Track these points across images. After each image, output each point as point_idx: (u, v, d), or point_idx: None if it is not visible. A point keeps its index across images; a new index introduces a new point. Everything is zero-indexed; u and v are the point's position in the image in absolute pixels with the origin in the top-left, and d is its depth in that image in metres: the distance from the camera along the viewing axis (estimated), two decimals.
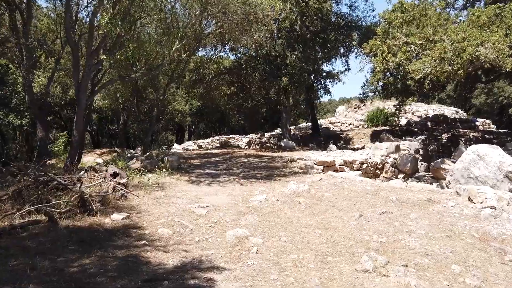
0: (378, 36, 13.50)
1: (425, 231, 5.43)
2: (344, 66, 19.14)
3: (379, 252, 4.66)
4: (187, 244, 4.94)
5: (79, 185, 5.74)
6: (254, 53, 18.43)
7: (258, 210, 6.52)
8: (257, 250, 4.70)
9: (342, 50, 19.47)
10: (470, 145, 20.29)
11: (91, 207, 5.42)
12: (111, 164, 9.22)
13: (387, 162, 15.73)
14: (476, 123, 25.58)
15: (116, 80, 11.34)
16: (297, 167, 12.24)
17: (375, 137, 22.70)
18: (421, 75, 11.31)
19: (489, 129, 25.35)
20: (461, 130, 22.70)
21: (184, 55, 13.01)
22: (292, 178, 9.77)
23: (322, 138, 24.03)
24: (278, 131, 28.86)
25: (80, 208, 5.45)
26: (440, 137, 21.19)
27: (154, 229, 5.35)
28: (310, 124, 29.79)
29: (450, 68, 10.94)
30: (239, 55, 19.01)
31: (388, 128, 23.91)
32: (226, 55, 19.03)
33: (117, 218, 5.37)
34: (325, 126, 29.39)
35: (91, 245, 4.55)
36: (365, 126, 26.91)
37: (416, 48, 11.80)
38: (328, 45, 17.60)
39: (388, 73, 18.63)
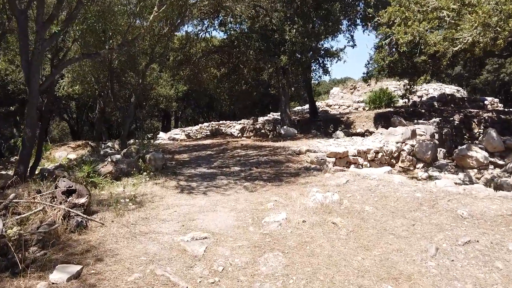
0: (398, 1, 11.33)
1: None
2: (349, 42, 16.68)
3: None
4: None
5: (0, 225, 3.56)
6: (248, 29, 16.09)
7: (280, 241, 4.45)
8: None
9: (346, 23, 17.25)
10: (486, 127, 18.58)
11: (16, 260, 3.27)
12: (71, 171, 7.02)
13: (403, 150, 13.82)
14: (485, 102, 23.81)
15: (79, 59, 9.03)
16: (307, 161, 10.20)
17: (379, 120, 20.77)
18: (460, 46, 9.24)
19: (497, 108, 23.63)
20: (472, 110, 20.87)
21: (167, 28, 10.66)
22: (309, 179, 7.71)
23: (321, 123, 22.03)
24: (272, 115, 26.71)
25: None
26: (452, 118, 19.34)
27: None
28: (306, 107, 27.70)
29: (493, 35, 8.91)
30: (231, 31, 16.59)
31: (392, 110, 21.98)
32: (216, 31, 16.62)
33: (59, 279, 3.23)
34: (322, 109, 27.35)
35: None
36: (366, 108, 24.94)
37: (450, 14, 9.69)
38: (332, 17, 15.34)
39: (393, 49, 16.58)
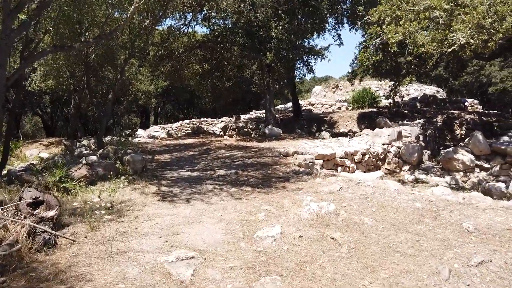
0: (388, 1, 11.03)
1: None
2: (335, 40, 16.37)
3: None
4: None
5: None
6: (232, 24, 15.53)
7: (276, 261, 4.00)
8: None
9: (332, 21, 16.94)
10: (468, 129, 18.64)
11: None
12: (40, 175, 6.35)
13: (389, 152, 13.64)
14: (466, 103, 24.07)
15: (51, 52, 8.29)
16: (295, 164, 9.79)
17: (362, 120, 20.65)
18: (453, 47, 9.00)
19: (478, 110, 23.93)
20: (453, 111, 21.02)
21: (148, 21, 10.01)
22: (299, 184, 7.29)
23: (305, 122, 21.74)
24: (254, 113, 26.23)
25: None
26: (435, 120, 19.37)
27: None
28: (289, 106, 27.38)
29: (486, 37, 8.72)
30: (214, 26, 15.98)
31: (375, 110, 21.90)
32: (199, 26, 16.02)
33: None
34: (305, 108, 27.06)
35: None
36: (349, 108, 24.80)
37: (442, 14, 9.44)
38: (318, 14, 14.98)
39: (378, 49, 16.40)
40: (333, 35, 17.39)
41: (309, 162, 9.80)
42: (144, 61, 18.79)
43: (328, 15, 16.01)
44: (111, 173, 7.69)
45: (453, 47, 9.00)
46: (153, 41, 15.26)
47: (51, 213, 4.31)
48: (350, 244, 4.35)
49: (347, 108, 24.96)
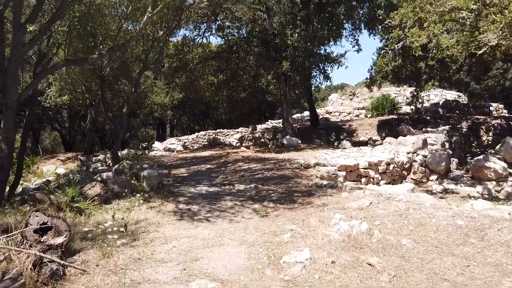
0: (410, 3, 10.56)
1: None
2: (354, 46, 15.86)
3: None
4: None
5: None
6: (247, 33, 15.26)
7: None
8: None
9: (349, 27, 16.51)
10: (496, 134, 17.81)
11: None
12: (52, 195, 6.06)
13: (415, 161, 12.99)
14: (490, 108, 23.13)
15: (64, 65, 8.10)
16: (317, 176, 9.33)
17: (383, 128, 19.99)
18: (484, 49, 8.45)
19: (504, 115, 22.95)
20: (478, 117, 20.14)
21: (161, 32, 9.78)
22: (325, 199, 6.81)
23: (323, 131, 21.21)
24: (270, 123, 25.84)
25: None
26: (459, 126, 18.59)
27: None
28: (305, 114, 26.90)
29: None
30: (229, 36, 15.74)
31: (396, 117, 21.21)
32: (213, 36, 15.82)
33: None
34: (322, 116, 26.53)
35: None
36: (368, 115, 24.16)
37: (469, 15, 8.91)
38: (335, 21, 14.58)
39: (398, 54, 15.85)
40: (351, 41, 16.88)
41: (332, 174, 9.32)
42: (159, 73, 18.68)
43: (345, 21, 15.60)
44: (126, 190, 7.37)
45: (483, 49, 8.43)
46: (167, 53, 15.10)
47: (59, 239, 3.96)
48: (390, 271, 3.86)
49: (366, 116, 24.32)
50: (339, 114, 27.19)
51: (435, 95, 28.45)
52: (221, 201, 7.06)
